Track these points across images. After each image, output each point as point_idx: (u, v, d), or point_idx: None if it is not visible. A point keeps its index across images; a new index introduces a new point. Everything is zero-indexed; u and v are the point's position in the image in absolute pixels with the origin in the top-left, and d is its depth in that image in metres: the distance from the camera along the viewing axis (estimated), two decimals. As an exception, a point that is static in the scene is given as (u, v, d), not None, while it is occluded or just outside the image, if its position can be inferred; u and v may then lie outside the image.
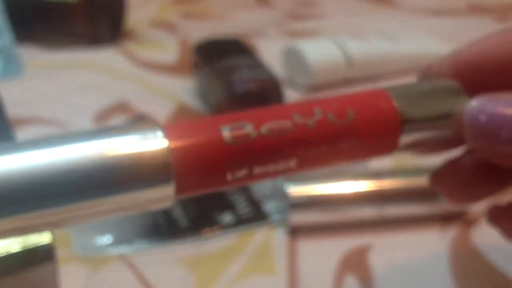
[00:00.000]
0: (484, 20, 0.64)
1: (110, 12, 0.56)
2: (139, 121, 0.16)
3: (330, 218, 0.31)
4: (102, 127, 0.15)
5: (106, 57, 0.53)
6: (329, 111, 0.17)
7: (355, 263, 0.29)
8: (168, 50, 0.56)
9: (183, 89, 0.47)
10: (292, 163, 0.17)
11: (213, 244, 0.30)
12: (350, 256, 0.30)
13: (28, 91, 0.47)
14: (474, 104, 0.18)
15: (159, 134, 0.15)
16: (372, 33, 0.53)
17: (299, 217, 0.31)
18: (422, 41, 0.54)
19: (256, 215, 0.32)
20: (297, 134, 0.17)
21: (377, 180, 0.31)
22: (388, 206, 0.31)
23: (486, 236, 0.31)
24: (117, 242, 0.30)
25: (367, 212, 0.31)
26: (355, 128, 0.18)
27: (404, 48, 0.51)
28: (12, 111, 0.34)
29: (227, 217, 0.32)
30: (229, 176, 0.16)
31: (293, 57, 0.48)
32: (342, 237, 0.31)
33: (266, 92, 0.40)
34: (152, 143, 0.15)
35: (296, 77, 0.48)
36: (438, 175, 0.23)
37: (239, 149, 0.16)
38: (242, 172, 0.16)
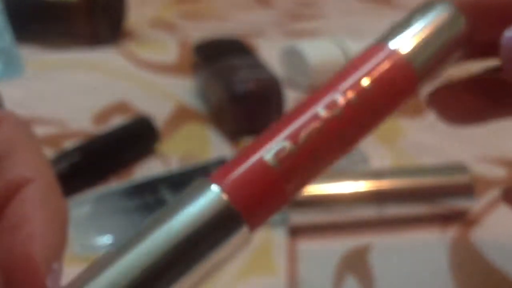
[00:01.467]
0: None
1: (110, 12, 0.56)
2: (192, 185, 0.16)
3: (330, 218, 0.31)
4: (168, 206, 0.16)
5: (106, 57, 0.53)
6: (346, 90, 0.18)
7: (355, 263, 0.29)
8: (168, 50, 0.56)
9: (183, 89, 0.47)
10: (337, 151, 0.18)
11: (213, 244, 0.30)
12: (350, 256, 0.30)
13: (28, 91, 0.47)
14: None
15: (214, 188, 0.16)
16: (372, 33, 0.53)
17: (299, 217, 0.31)
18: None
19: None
20: (331, 129, 0.17)
21: (377, 180, 0.31)
22: (388, 206, 0.31)
23: (486, 236, 0.31)
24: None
25: (367, 212, 0.31)
26: (376, 93, 0.18)
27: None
28: (12, 111, 0.34)
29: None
30: (289, 193, 0.17)
31: (293, 57, 0.48)
32: (342, 237, 0.31)
33: (266, 92, 0.40)
34: (211, 202, 0.16)
35: (296, 77, 0.48)
36: (436, 91, 0.23)
37: (287, 167, 0.16)
38: (298, 183, 0.17)
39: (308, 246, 0.30)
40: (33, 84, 0.48)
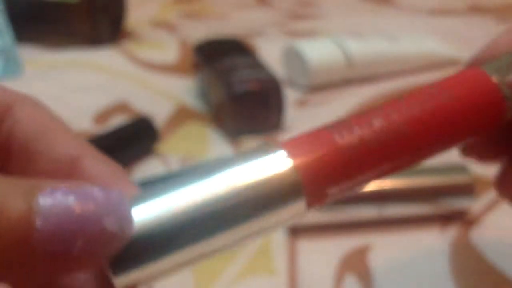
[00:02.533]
0: (484, 20, 0.64)
1: (110, 12, 0.56)
2: (261, 144, 0.16)
3: (330, 218, 0.31)
4: (228, 156, 0.17)
5: (106, 57, 0.53)
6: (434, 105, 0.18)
7: (355, 263, 0.29)
8: (168, 50, 0.56)
9: (183, 89, 0.47)
10: (407, 156, 0.17)
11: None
12: (350, 256, 0.30)
13: (28, 91, 0.47)
14: None
15: (283, 153, 0.16)
16: (372, 33, 0.53)
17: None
18: (422, 41, 0.54)
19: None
20: (412, 130, 0.17)
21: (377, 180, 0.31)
22: (388, 206, 0.31)
23: (486, 236, 0.31)
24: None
25: (367, 212, 0.31)
26: (464, 115, 0.18)
27: (404, 48, 0.51)
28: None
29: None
30: (359, 178, 0.17)
31: (293, 57, 0.48)
32: (342, 237, 0.31)
33: (266, 92, 0.40)
34: (278, 164, 0.16)
35: (296, 77, 0.48)
36: (504, 182, 0.22)
37: (356, 151, 0.16)
38: (370, 171, 0.17)
39: (308, 246, 0.30)
40: (33, 84, 0.48)
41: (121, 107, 0.44)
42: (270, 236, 0.31)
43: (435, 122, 0.18)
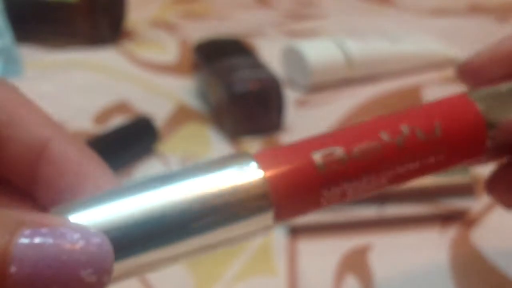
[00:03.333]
0: (484, 20, 0.64)
1: (110, 12, 0.56)
2: (232, 155, 0.16)
3: (330, 218, 0.31)
4: (197, 163, 0.16)
5: (106, 57, 0.53)
6: (416, 126, 0.17)
7: (355, 263, 0.29)
8: (168, 50, 0.56)
9: (183, 89, 0.47)
10: (383, 180, 0.17)
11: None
12: (350, 256, 0.30)
13: (28, 91, 0.47)
14: None
15: (253, 165, 0.16)
16: (372, 33, 0.53)
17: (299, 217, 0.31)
18: (422, 41, 0.54)
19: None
20: (386, 154, 0.17)
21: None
22: (388, 206, 0.31)
23: (486, 236, 0.31)
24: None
25: (367, 212, 0.31)
26: (443, 142, 0.18)
27: (404, 48, 0.51)
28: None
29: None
30: (323, 200, 0.16)
31: (292, 57, 0.48)
32: (342, 237, 0.31)
33: (266, 92, 0.40)
34: (248, 174, 0.15)
35: (296, 77, 0.48)
36: (492, 182, 0.22)
37: (331, 173, 0.16)
38: (336, 194, 0.17)
39: (308, 246, 0.30)
40: (33, 84, 0.48)
41: (121, 107, 0.44)
42: (270, 236, 0.31)
43: (412, 150, 0.17)
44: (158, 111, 0.43)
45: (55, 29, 0.56)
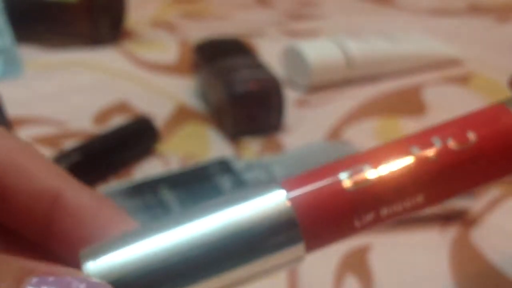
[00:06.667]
0: (484, 20, 0.64)
1: (110, 12, 0.56)
2: (259, 184, 0.16)
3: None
4: (227, 196, 0.15)
5: (106, 57, 0.53)
6: (448, 137, 0.16)
7: (355, 263, 0.29)
8: (168, 50, 0.56)
9: (183, 89, 0.47)
10: (420, 198, 0.16)
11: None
12: (350, 256, 0.30)
13: (28, 91, 0.47)
14: None
15: (281, 193, 0.15)
16: (372, 33, 0.53)
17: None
18: (422, 41, 0.54)
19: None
20: (419, 169, 0.16)
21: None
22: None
23: (486, 236, 0.31)
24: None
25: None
26: (480, 151, 0.16)
27: (404, 48, 0.51)
28: (12, 111, 0.34)
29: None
30: (357, 223, 0.16)
31: (293, 57, 0.48)
32: (342, 237, 0.31)
33: (266, 92, 0.40)
34: (275, 204, 0.15)
35: (296, 77, 0.48)
36: None
37: (361, 194, 0.15)
38: (370, 216, 0.16)
39: (308, 246, 0.30)
40: (33, 84, 0.48)
41: (121, 107, 0.44)
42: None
43: (446, 163, 0.16)
44: (158, 111, 0.43)
45: (55, 29, 0.56)
